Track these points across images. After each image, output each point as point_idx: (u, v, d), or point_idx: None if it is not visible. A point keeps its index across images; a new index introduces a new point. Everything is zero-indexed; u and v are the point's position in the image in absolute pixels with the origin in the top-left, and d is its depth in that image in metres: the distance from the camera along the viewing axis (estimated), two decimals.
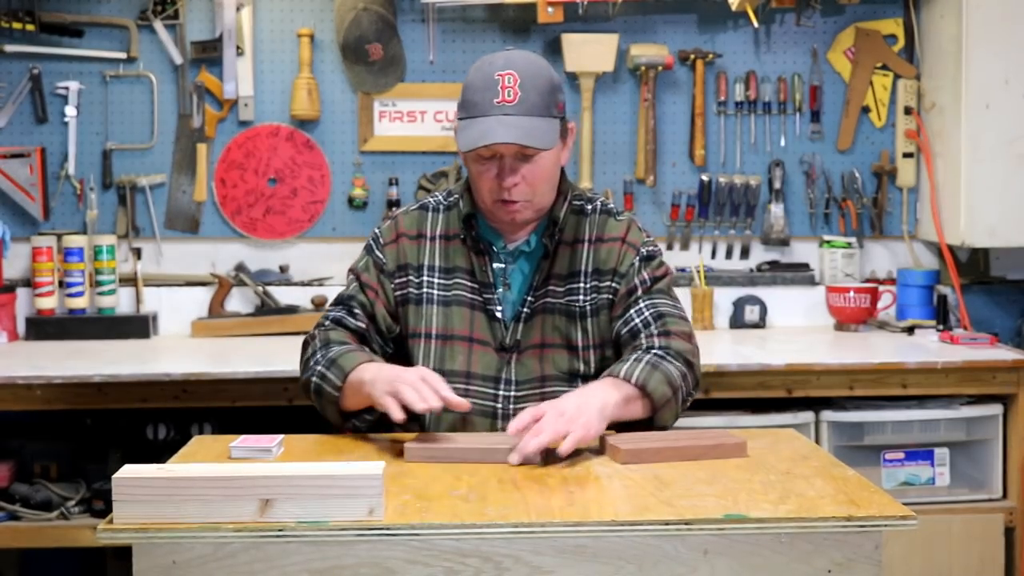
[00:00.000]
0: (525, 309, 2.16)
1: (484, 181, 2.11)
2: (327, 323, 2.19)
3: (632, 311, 2.13)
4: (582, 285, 2.17)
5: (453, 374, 2.11)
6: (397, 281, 2.20)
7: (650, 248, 2.20)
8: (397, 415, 1.90)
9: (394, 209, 3.52)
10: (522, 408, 2.02)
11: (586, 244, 2.19)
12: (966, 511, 3.06)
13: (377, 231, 2.26)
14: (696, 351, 2.13)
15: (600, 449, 1.95)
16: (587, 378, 2.14)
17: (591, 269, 2.18)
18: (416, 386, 1.91)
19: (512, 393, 2.14)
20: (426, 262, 2.20)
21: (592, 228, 2.20)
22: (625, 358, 2.07)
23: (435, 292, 2.18)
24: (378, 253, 2.22)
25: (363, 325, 2.18)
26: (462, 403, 1.93)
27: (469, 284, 2.18)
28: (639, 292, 2.15)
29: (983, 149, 3.36)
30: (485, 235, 2.19)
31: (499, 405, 2.13)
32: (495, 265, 2.18)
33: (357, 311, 2.19)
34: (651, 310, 2.13)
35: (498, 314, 2.16)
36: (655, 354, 2.05)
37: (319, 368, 2.08)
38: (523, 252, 2.19)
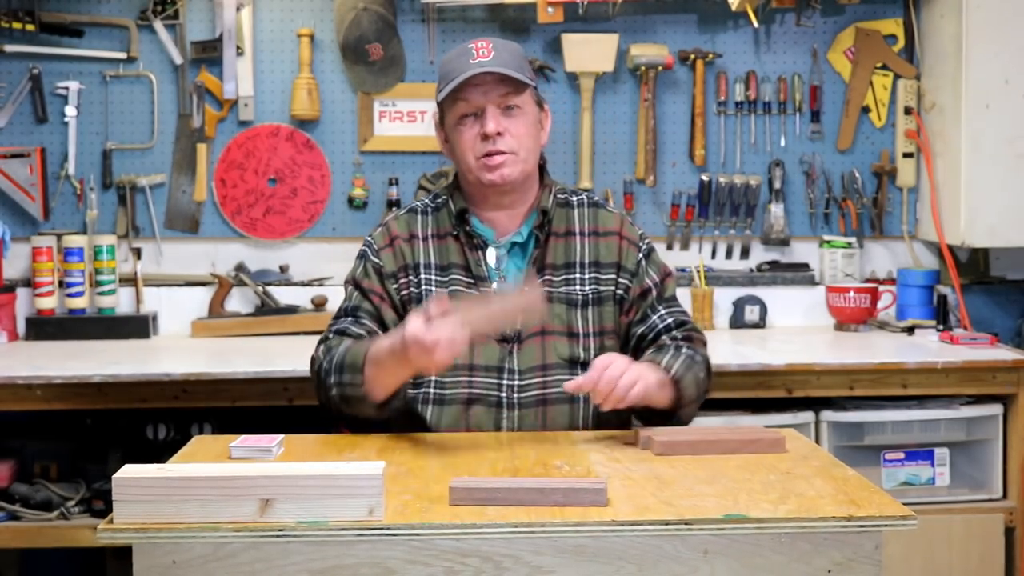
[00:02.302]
0: None
1: (468, 140, 2.17)
2: (331, 337, 2.18)
3: (654, 316, 2.22)
4: (579, 275, 2.23)
5: (455, 367, 2.12)
6: (400, 282, 2.23)
7: (647, 242, 2.29)
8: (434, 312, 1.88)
9: (394, 209, 3.52)
10: (526, 396, 2.14)
11: (579, 236, 2.25)
12: (966, 511, 3.05)
13: (369, 238, 2.29)
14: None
15: (633, 441, 1.97)
16: (586, 365, 2.16)
17: (589, 260, 2.24)
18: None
19: (516, 382, 2.16)
20: (422, 260, 2.23)
21: (583, 220, 2.27)
22: (662, 349, 2.14)
23: (433, 288, 2.21)
24: (375, 259, 2.25)
25: (364, 333, 2.17)
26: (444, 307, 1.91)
27: (465, 279, 2.21)
28: (653, 295, 2.24)
29: (983, 149, 3.36)
30: (478, 230, 2.23)
31: (503, 395, 2.15)
32: (489, 258, 2.22)
33: (364, 319, 2.20)
34: (671, 317, 2.23)
35: None
36: (687, 353, 2.13)
37: (332, 380, 2.09)
38: (516, 243, 2.23)
